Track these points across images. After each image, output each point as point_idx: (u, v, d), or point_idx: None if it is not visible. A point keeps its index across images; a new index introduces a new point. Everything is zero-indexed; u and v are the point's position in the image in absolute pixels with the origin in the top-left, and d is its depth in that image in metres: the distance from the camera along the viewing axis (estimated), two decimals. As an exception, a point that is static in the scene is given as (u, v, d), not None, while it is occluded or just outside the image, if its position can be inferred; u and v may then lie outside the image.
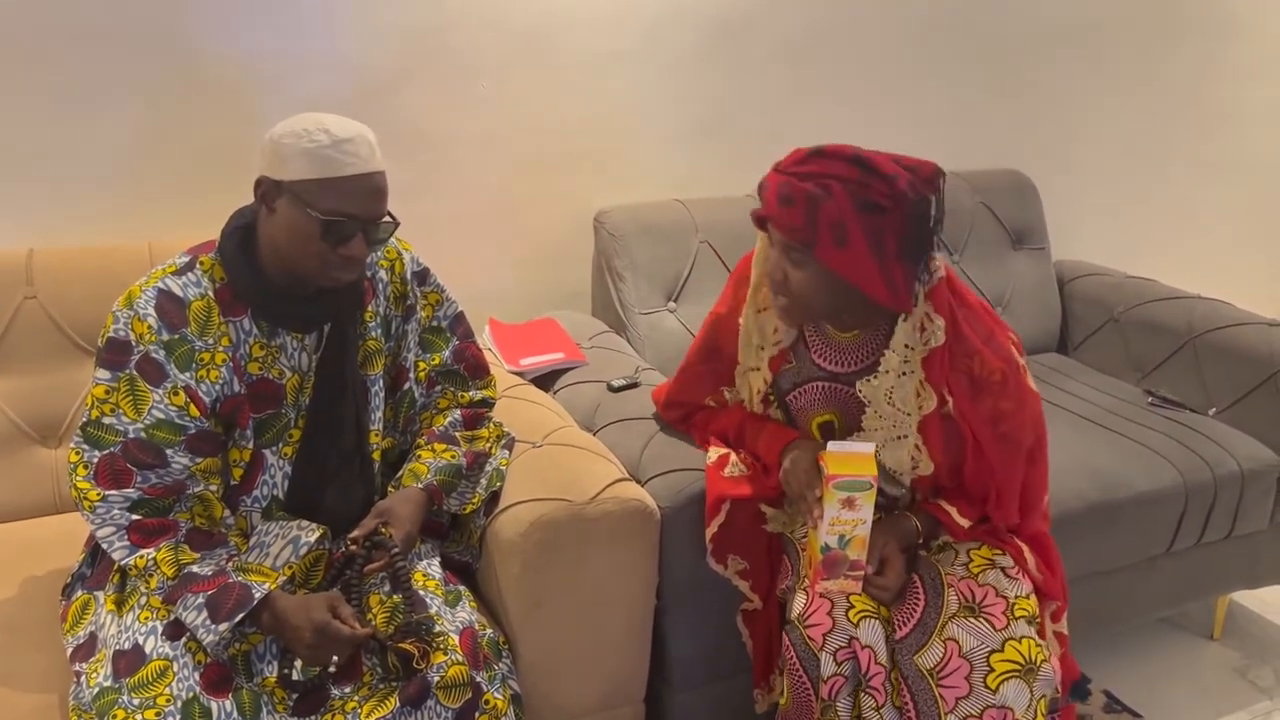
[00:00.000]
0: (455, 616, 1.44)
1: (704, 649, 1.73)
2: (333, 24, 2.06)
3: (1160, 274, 2.71)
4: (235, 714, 1.27)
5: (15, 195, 1.91)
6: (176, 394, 1.36)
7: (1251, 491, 2.14)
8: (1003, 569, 1.54)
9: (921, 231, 1.41)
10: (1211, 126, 3.23)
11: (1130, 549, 2.08)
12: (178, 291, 1.39)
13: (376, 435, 1.56)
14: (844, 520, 1.46)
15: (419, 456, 1.55)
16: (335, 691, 1.34)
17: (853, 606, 1.49)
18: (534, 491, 1.56)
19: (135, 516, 1.35)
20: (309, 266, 1.37)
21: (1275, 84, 3.28)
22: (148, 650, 1.30)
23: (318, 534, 1.43)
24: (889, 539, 1.53)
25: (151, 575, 1.33)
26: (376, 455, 1.56)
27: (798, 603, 1.52)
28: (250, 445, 1.44)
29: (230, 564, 1.37)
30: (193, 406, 1.37)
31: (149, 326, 1.36)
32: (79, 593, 1.46)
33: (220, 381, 1.40)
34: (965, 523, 1.56)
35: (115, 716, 1.24)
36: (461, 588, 1.53)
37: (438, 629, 1.38)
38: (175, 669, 1.28)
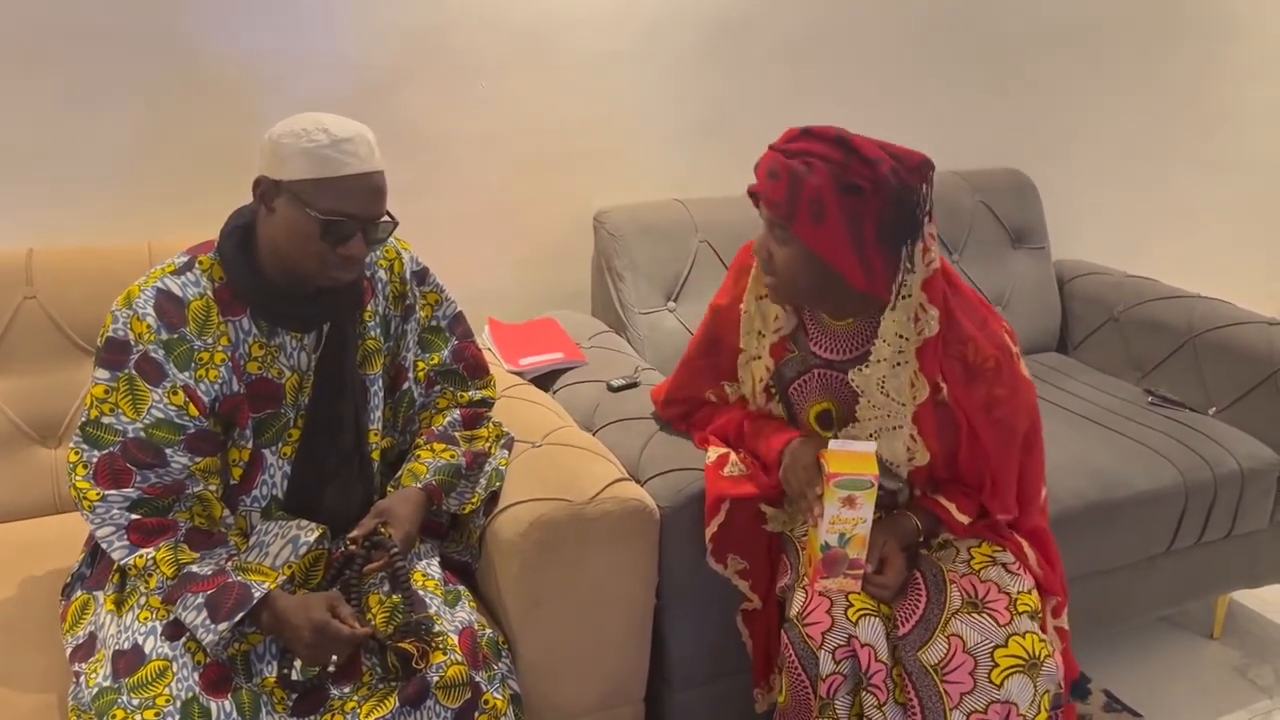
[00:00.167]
0: (454, 616, 1.44)
1: (703, 649, 1.73)
2: (333, 24, 2.06)
3: (1160, 273, 2.71)
4: (234, 714, 1.27)
5: (15, 195, 1.91)
6: (175, 393, 1.36)
7: (1251, 491, 2.14)
8: (1004, 565, 1.55)
9: (902, 219, 1.42)
10: (1211, 126, 3.23)
11: (1130, 548, 2.08)
12: (177, 291, 1.39)
13: (376, 435, 1.56)
14: (844, 519, 1.46)
15: (418, 456, 1.55)
16: (334, 692, 1.34)
17: (852, 605, 1.49)
18: (533, 491, 1.56)
19: (135, 516, 1.35)
20: (308, 266, 1.37)
21: (1275, 84, 3.28)
22: (147, 650, 1.30)
23: (317, 534, 1.43)
24: (888, 537, 1.54)
25: (151, 575, 1.33)
26: (376, 455, 1.56)
27: (797, 601, 1.52)
28: (249, 445, 1.44)
29: (230, 563, 1.37)
30: (192, 406, 1.37)
31: (148, 326, 1.36)
32: (78, 593, 1.46)
33: (219, 381, 1.40)
34: (964, 519, 1.56)
35: (114, 716, 1.24)
36: (461, 588, 1.53)
37: (437, 629, 1.38)
38: (174, 669, 1.28)
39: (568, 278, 2.43)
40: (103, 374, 1.37)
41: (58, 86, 1.88)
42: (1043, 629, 1.50)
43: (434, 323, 1.64)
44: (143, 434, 1.35)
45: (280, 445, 1.47)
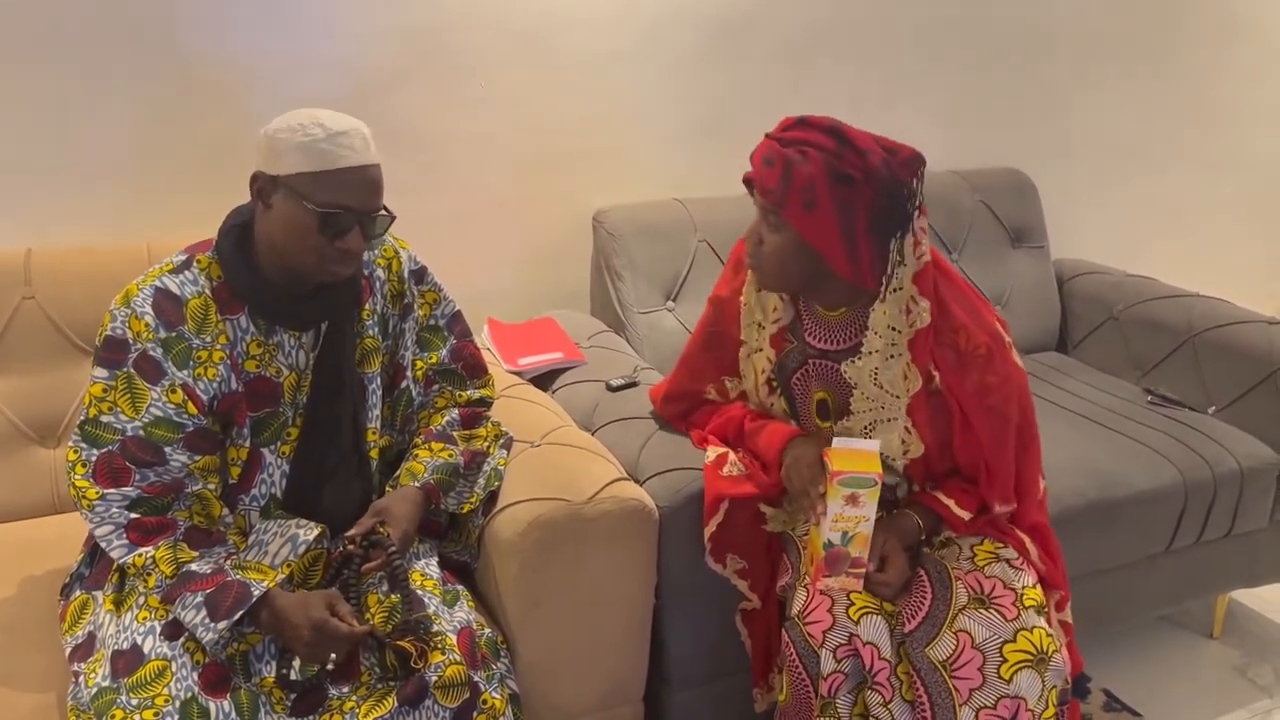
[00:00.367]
0: (453, 616, 1.43)
1: (703, 648, 1.73)
2: (332, 24, 2.06)
3: (1159, 272, 2.71)
4: (233, 714, 1.27)
5: (14, 195, 1.91)
6: (174, 392, 1.36)
7: (1251, 490, 2.14)
8: (1007, 561, 1.55)
9: (893, 211, 1.44)
10: (1211, 126, 3.23)
11: (1130, 547, 2.08)
12: (175, 289, 1.39)
13: (374, 434, 1.56)
14: (847, 517, 1.46)
15: (416, 455, 1.55)
16: (333, 691, 1.34)
17: (853, 604, 1.49)
18: (532, 491, 1.56)
19: (134, 515, 1.35)
20: (306, 261, 1.37)
21: (1275, 84, 3.28)
22: (146, 650, 1.30)
23: (316, 532, 1.42)
24: (890, 536, 1.54)
25: (150, 574, 1.33)
26: (374, 454, 1.56)
27: (798, 600, 1.52)
28: (248, 444, 1.44)
29: (228, 562, 1.36)
30: (190, 404, 1.37)
31: (146, 324, 1.36)
32: (77, 592, 1.45)
33: (218, 379, 1.40)
34: (965, 515, 1.56)
35: (114, 716, 1.24)
36: (459, 587, 1.52)
37: (435, 628, 1.38)
38: (173, 669, 1.28)
39: (567, 277, 2.43)
40: (101, 373, 1.37)
41: (57, 87, 1.88)
42: (1048, 623, 1.50)
43: (432, 322, 1.64)
44: (142, 432, 1.35)
45: (278, 444, 1.47)
